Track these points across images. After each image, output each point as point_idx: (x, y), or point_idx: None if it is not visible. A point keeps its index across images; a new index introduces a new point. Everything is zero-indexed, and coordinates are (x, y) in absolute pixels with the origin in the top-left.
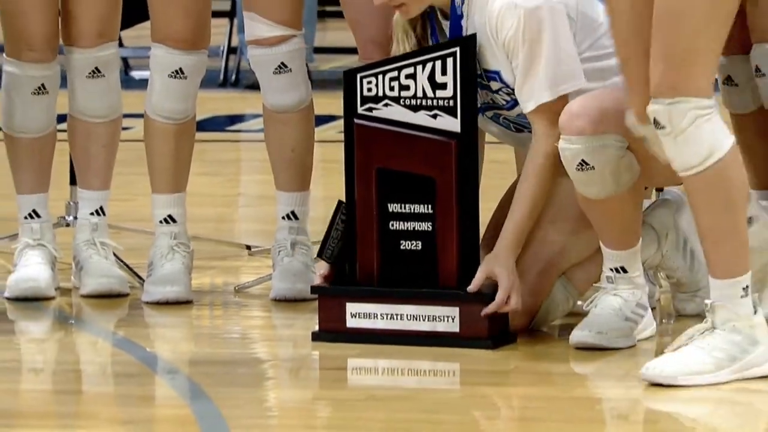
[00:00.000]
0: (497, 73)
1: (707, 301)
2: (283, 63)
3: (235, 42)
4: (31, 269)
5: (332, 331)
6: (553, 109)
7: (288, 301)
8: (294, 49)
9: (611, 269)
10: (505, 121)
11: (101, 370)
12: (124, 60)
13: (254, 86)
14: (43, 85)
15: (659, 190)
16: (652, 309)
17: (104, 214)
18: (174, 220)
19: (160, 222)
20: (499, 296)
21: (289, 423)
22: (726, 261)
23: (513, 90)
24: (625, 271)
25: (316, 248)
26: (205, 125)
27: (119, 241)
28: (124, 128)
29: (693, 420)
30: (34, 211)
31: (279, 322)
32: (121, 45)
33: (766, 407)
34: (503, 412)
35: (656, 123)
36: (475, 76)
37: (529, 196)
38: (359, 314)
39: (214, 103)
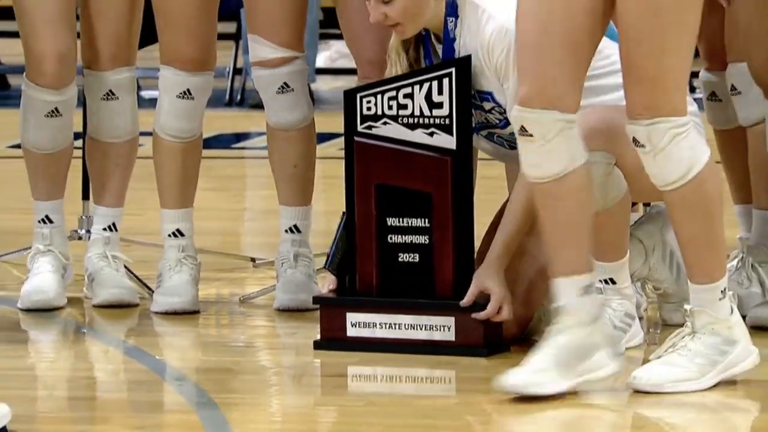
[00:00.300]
0: (490, 93)
1: (687, 307)
2: (285, 83)
3: (240, 63)
4: (41, 279)
5: (333, 339)
6: None
7: (291, 311)
8: (296, 70)
9: (600, 281)
10: (499, 139)
11: (112, 378)
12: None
13: (258, 105)
14: (56, 108)
15: (646, 204)
16: (640, 319)
17: (116, 229)
18: (182, 234)
19: (169, 236)
20: (491, 307)
21: (292, 428)
22: (705, 267)
23: (505, 109)
24: (613, 282)
25: (318, 260)
26: (211, 143)
27: (130, 254)
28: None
29: (678, 426)
30: (47, 216)
31: (282, 331)
32: None
33: (747, 412)
34: (496, 418)
35: (636, 142)
36: (470, 96)
37: (519, 210)
38: (359, 323)
39: (220, 121)
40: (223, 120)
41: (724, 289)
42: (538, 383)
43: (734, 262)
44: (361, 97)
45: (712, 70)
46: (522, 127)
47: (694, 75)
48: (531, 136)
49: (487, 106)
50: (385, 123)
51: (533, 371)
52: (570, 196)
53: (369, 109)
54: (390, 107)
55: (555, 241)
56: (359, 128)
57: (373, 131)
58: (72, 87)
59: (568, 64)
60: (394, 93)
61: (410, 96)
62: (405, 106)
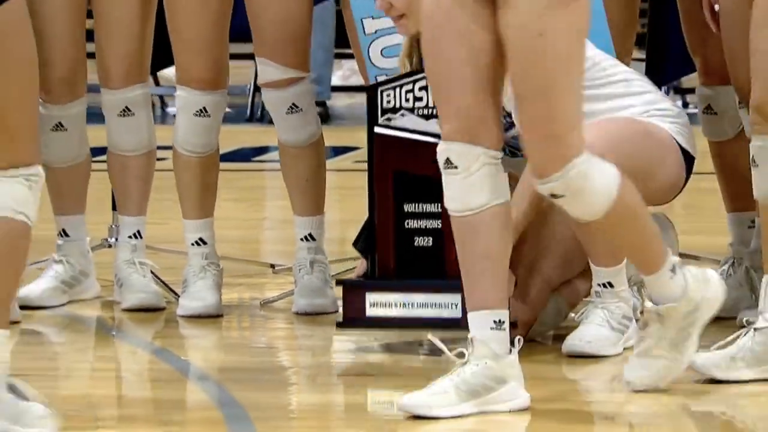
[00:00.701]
0: None
1: (649, 306)
2: (294, 104)
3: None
4: (35, 285)
5: (354, 319)
6: None
7: (308, 315)
8: (303, 90)
9: (599, 284)
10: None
11: (140, 377)
12: (161, 97)
13: None
14: (60, 123)
15: None
16: (636, 320)
17: (141, 237)
18: (204, 242)
19: (192, 244)
20: None
21: (310, 425)
22: (650, 261)
23: (507, 113)
24: (612, 286)
25: (334, 266)
26: (232, 156)
27: (156, 261)
28: (160, 159)
29: (672, 421)
30: (63, 230)
31: (300, 333)
32: (157, 84)
33: (733, 405)
34: (501, 415)
35: (554, 197)
36: None
37: (519, 214)
38: (377, 303)
39: (241, 135)
40: (244, 135)
41: (673, 266)
42: (430, 405)
43: (725, 267)
44: (382, 91)
45: (707, 85)
46: (447, 159)
47: (690, 91)
48: (455, 168)
49: None
50: (402, 114)
51: (431, 393)
52: (489, 230)
53: (389, 102)
54: (407, 100)
55: (472, 275)
56: (380, 120)
57: (392, 122)
58: (77, 103)
59: (482, 101)
60: (410, 86)
61: (425, 88)
62: (420, 98)
